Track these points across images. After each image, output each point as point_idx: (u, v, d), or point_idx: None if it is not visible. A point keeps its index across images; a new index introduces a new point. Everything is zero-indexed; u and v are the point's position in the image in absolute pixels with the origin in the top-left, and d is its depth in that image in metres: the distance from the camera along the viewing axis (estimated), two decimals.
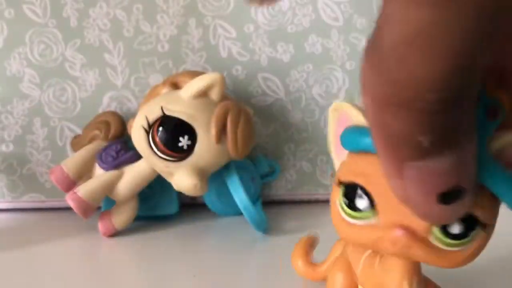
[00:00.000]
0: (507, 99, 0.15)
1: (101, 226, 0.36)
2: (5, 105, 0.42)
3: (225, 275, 0.30)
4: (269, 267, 0.31)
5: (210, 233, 0.38)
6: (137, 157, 0.36)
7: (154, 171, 0.36)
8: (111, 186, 0.36)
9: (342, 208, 0.18)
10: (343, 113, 0.19)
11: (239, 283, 0.29)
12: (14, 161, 0.42)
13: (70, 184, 0.36)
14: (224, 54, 0.42)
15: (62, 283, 0.30)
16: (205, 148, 0.34)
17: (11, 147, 0.42)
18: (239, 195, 0.36)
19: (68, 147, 0.42)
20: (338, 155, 0.20)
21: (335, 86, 0.42)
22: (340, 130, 0.19)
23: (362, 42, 0.43)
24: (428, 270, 0.21)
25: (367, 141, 0.17)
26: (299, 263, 0.28)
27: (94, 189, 0.35)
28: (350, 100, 0.19)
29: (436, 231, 0.16)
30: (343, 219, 0.18)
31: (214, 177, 0.37)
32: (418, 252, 0.17)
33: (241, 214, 0.41)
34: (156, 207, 0.37)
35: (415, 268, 0.20)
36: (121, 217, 0.36)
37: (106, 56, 0.41)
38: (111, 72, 0.42)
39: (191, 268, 0.32)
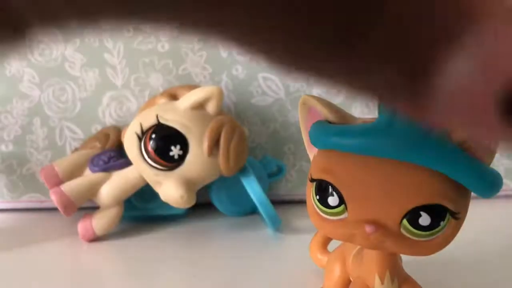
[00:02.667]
0: None
1: (80, 228, 0.36)
2: (5, 105, 0.42)
3: (235, 274, 0.30)
4: (280, 266, 0.31)
5: (218, 233, 0.38)
6: (128, 165, 0.36)
7: (142, 179, 0.36)
8: (96, 187, 0.36)
9: (316, 205, 0.18)
10: (312, 107, 0.19)
11: (250, 282, 0.29)
12: (14, 161, 0.42)
13: (58, 182, 0.36)
14: (224, 54, 0.42)
15: (62, 283, 0.30)
16: (196, 160, 0.34)
17: (11, 147, 0.42)
18: (256, 192, 0.36)
19: (68, 147, 0.42)
20: (311, 149, 0.20)
21: None
22: (311, 121, 0.19)
23: None
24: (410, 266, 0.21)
25: (334, 139, 0.17)
26: (317, 255, 0.28)
27: (78, 186, 0.35)
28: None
29: (406, 223, 0.16)
30: (319, 215, 0.18)
31: (225, 178, 0.37)
32: (390, 245, 0.17)
33: (248, 214, 0.41)
34: (164, 206, 0.37)
35: (389, 261, 0.20)
36: (102, 221, 0.36)
37: (106, 56, 0.41)
38: (111, 72, 0.42)
39: (199, 268, 0.32)
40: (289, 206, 0.42)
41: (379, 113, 0.16)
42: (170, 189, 0.34)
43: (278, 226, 0.37)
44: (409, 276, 0.21)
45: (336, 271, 0.23)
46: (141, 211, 0.40)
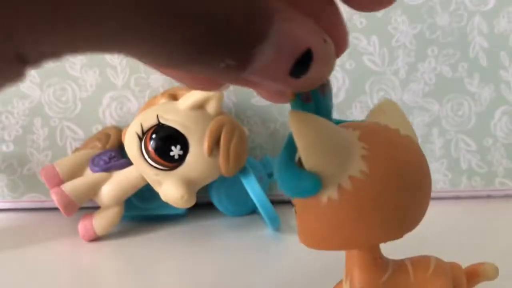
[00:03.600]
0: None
1: (81, 228, 0.36)
2: (6, 105, 0.42)
3: (235, 274, 0.30)
4: (280, 266, 0.31)
5: (218, 233, 0.38)
6: (128, 165, 0.36)
7: (143, 179, 0.36)
8: (96, 187, 0.36)
9: None
10: None
11: (250, 282, 0.29)
12: (15, 161, 0.42)
13: (58, 182, 0.36)
14: None
15: (62, 282, 0.30)
16: (196, 160, 0.34)
17: (12, 147, 0.42)
18: (256, 192, 0.36)
19: (68, 147, 0.42)
20: None
21: (335, 86, 0.43)
22: None
23: (362, 42, 0.43)
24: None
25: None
26: None
27: (79, 186, 0.35)
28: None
29: None
30: None
31: (225, 177, 0.37)
32: None
33: (248, 214, 0.41)
34: (165, 206, 0.37)
35: (349, 261, 0.20)
36: (102, 221, 0.36)
37: (106, 56, 0.41)
38: (111, 72, 0.42)
39: (199, 267, 0.32)
40: (289, 206, 0.42)
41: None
42: (170, 189, 0.34)
43: (278, 226, 0.37)
44: (366, 277, 0.21)
45: None
46: (141, 211, 0.40)
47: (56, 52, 0.11)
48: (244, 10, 0.12)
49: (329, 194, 0.16)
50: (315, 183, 0.16)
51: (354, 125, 0.18)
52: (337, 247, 0.18)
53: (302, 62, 0.13)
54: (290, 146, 0.16)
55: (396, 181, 0.17)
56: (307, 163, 0.16)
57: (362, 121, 0.19)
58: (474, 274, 0.23)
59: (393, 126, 0.18)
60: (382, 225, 0.17)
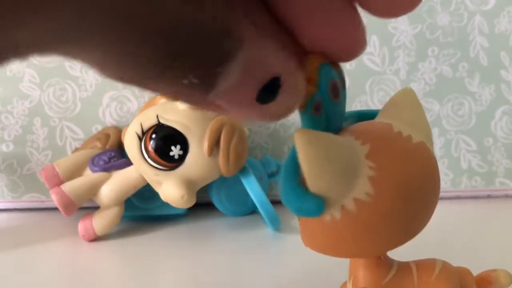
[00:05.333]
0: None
1: (80, 228, 0.36)
2: (5, 105, 0.42)
3: (235, 274, 0.30)
4: (280, 266, 0.31)
5: (218, 233, 0.38)
6: (128, 165, 0.36)
7: (143, 179, 0.36)
8: (96, 187, 0.36)
9: None
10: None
11: (250, 282, 0.29)
12: (14, 161, 0.42)
13: (58, 182, 0.36)
14: None
15: (62, 282, 0.30)
16: (196, 160, 0.34)
17: (11, 147, 0.42)
18: (256, 192, 0.36)
19: (68, 147, 0.42)
20: None
21: None
22: None
23: None
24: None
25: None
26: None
27: (79, 186, 0.35)
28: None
29: None
30: None
31: (225, 177, 0.37)
32: None
33: (248, 214, 0.41)
34: (165, 206, 0.37)
35: (353, 265, 0.20)
36: (102, 221, 0.36)
37: None
38: None
39: (199, 267, 0.32)
40: None
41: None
42: (170, 189, 0.34)
43: (278, 226, 0.37)
44: (370, 279, 0.21)
45: None
46: (141, 211, 0.40)
47: (21, 48, 0.10)
48: (215, 25, 0.12)
49: (332, 214, 0.16)
50: (318, 205, 0.16)
51: (365, 132, 0.17)
52: (341, 256, 0.18)
53: (269, 89, 0.13)
54: (294, 162, 0.16)
55: (404, 199, 0.16)
56: (312, 187, 0.16)
57: (377, 113, 0.18)
58: (486, 281, 0.22)
59: (406, 126, 0.17)
60: (388, 238, 0.17)
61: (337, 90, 0.16)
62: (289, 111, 0.15)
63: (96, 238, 0.36)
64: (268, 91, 0.13)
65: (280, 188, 0.16)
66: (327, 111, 0.16)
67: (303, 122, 0.16)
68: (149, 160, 0.34)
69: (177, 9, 0.11)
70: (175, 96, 0.13)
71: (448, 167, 0.44)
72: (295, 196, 0.16)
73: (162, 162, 0.34)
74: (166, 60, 0.11)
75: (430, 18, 0.43)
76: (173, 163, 0.34)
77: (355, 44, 0.15)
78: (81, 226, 0.36)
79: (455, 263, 0.30)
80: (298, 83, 0.14)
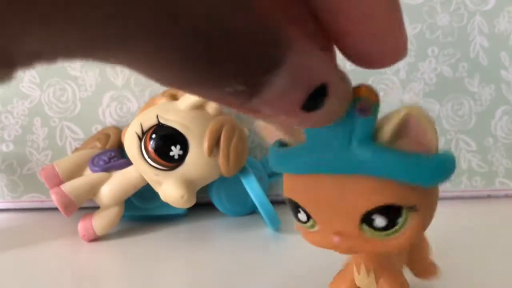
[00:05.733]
0: (374, 95, 0.16)
1: (80, 228, 0.36)
2: (5, 105, 0.42)
3: (235, 274, 0.30)
4: (280, 266, 0.31)
5: (218, 233, 0.38)
6: (128, 165, 0.36)
7: (143, 179, 0.36)
8: (96, 187, 0.36)
9: (296, 220, 0.19)
10: (269, 129, 0.19)
11: (250, 282, 0.29)
12: (15, 161, 0.42)
13: (58, 182, 0.36)
14: None
15: (62, 282, 0.30)
16: (196, 160, 0.34)
17: (11, 147, 0.42)
18: (256, 192, 0.36)
19: (68, 147, 0.42)
20: None
21: None
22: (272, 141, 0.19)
23: None
24: None
25: (281, 166, 0.17)
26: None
27: (79, 186, 0.35)
28: None
29: (366, 227, 0.17)
30: (303, 228, 0.19)
31: (225, 177, 0.37)
32: (361, 248, 0.17)
33: (248, 214, 0.41)
34: (165, 206, 0.37)
35: (368, 255, 0.20)
36: (102, 221, 0.36)
37: None
38: (111, 72, 0.42)
39: (199, 267, 0.32)
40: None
41: (305, 132, 0.16)
42: (170, 189, 0.34)
43: (278, 226, 0.37)
44: (393, 270, 0.21)
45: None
46: (141, 211, 0.40)
47: (45, 54, 0.10)
48: (262, 33, 0.11)
49: None
50: (453, 157, 0.17)
51: None
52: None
53: (316, 97, 0.13)
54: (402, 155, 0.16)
55: None
56: (436, 150, 0.16)
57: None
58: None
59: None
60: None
61: (366, 106, 0.16)
62: (333, 118, 0.14)
63: (96, 238, 0.36)
64: (315, 99, 0.13)
65: (417, 169, 0.16)
66: (348, 124, 0.16)
67: None
68: (149, 160, 0.34)
69: (226, 14, 0.11)
70: (217, 101, 0.13)
71: None
72: (440, 161, 0.16)
73: (162, 162, 0.34)
74: (212, 66, 0.11)
75: (430, 18, 0.43)
76: (173, 163, 0.34)
77: (398, 47, 0.15)
78: (81, 226, 0.36)
79: (455, 263, 0.30)
80: (345, 90, 0.14)
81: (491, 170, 0.44)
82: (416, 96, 0.43)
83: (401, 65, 0.43)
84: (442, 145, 0.44)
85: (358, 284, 0.21)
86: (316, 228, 0.18)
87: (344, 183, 0.16)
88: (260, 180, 0.39)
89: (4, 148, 0.42)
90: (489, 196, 0.45)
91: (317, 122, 0.14)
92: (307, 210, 0.18)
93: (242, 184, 0.37)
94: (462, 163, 0.44)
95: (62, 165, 0.37)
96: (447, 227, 0.36)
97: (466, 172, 0.44)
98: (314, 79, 0.13)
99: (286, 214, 0.38)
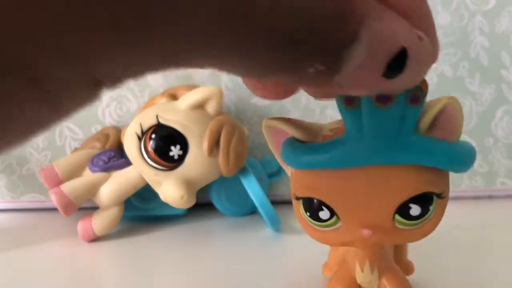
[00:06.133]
0: (426, 85, 0.16)
1: (80, 228, 0.36)
2: None
3: (235, 274, 0.30)
4: (280, 266, 0.31)
5: (218, 233, 0.38)
6: (128, 165, 0.36)
7: (142, 179, 0.36)
8: (96, 187, 0.36)
9: (309, 220, 0.18)
10: (276, 129, 0.19)
11: (250, 282, 0.29)
12: (14, 161, 0.42)
13: (58, 182, 0.36)
14: None
15: (62, 283, 0.30)
16: (196, 160, 0.34)
17: None
18: (256, 192, 0.36)
19: (68, 147, 0.42)
20: (286, 167, 0.20)
21: None
22: (279, 141, 0.19)
23: None
24: None
25: (307, 159, 0.17)
26: None
27: (78, 186, 0.35)
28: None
29: (399, 218, 0.17)
30: (314, 228, 0.19)
31: (225, 177, 0.37)
32: (388, 241, 0.18)
33: (248, 214, 0.41)
34: (164, 206, 0.37)
35: (371, 252, 0.20)
36: (102, 222, 0.36)
37: None
38: None
39: (199, 267, 0.31)
40: (289, 206, 0.42)
41: (345, 123, 0.16)
42: (170, 189, 0.34)
43: (278, 226, 0.37)
44: (394, 267, 0.21)
45: (340, 249, 0.23)
46: (141, 211, 0.40)
47: (134, 72, 0.11)
48: (334, 10, 0.12)
49: None
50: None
51: None
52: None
53: (397, 62, 0.13)
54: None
55: None
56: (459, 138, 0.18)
57: None
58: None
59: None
60: None
61: (385, 96, 0.16)
62: (417, 81, 0.14)
63: (95, 238, 0.36)
64: (396, 65, 0.13)
65: (453, 153, 0.17)
66: (363, 110, 0.16)
67: (339, 109, 0.16)
68: (148, 160, 0.34)
69: (303, 7, 0.11)
70: (300, 82, 0.13)
71: None
72: (470, 148, 0.17)
73: (162, 162, 0.34)
74: (294, 53, 0.11)
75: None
76: (172, 163, 0.34)
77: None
78: (81, 226, 0.36)
79: (455, 263, 0.30)
80: (426, 50, 0.14)
81: (492, 170, 0.44)
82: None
83: None
84: None
85: (360, 281, 0.21)
86: (338, 225, 0.18)
87: (380, 173, 0.17)
88: (260, 180, 0.39)
89: None
90: (490, 197, 0.44)
91: (400, 87, 0.14)
92: (333, 206, 0.17)
93: (242, 184, 0.37)
94: None
95: (61, 165, 0.37)
96: (448, 227, 0.36)
97: (467, 172, 0.44)
98: (393, 45, 0.13)
99: (286, 214, 0.38)
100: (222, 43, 0.11)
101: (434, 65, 0.44)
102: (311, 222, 0.18)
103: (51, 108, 0.10)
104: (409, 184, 0.17)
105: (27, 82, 0.09)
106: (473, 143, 0.44)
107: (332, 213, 0.18)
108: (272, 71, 0.12)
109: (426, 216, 0.17)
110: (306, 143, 0.18)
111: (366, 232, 0.17)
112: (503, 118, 0.44)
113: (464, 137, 0.44)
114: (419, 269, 0.27)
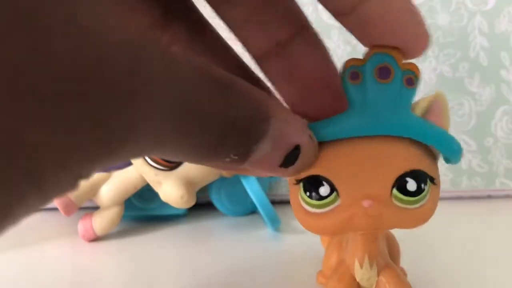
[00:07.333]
0: (419, 71, 0.18)
1: (80, 228, 0.36)
2: None
3: (235, 274, 0.30)
4: (280, 266, 0.31)
5: (218, 233, 0.38)
6: (128, 165, 0.36)
7: (143, 179, 0.36)
8: (96, 187, 0.36)
9: (307, 202, 0.19)
10: None
11: (250, 282, 0.29)
12: None
13: None
14: None
15: (62, 283, 0.30)
16: None
17: None
18: (256, 192, 0.36)
19: None
20: None
21: None
22: None
23: None
24: None
25: (337, 129, 0.18)
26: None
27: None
28: None
29: (397, 192, 0.18)
30: (311, 214, 0.19)
31: (225, 177, 0.37)
32: (387, 217, 0.18)
33: (248, 214, 0.41)
34: (165, 206, 0.37)
35: (370, 246, 0.21)
36: (102, 222, 0.36)
37: None
38: None
39: (199, 267, 0.32)
40: (289, 206, 0.42)
41: (349, 97, 0.18)
42: (170, 189, 0.34)
43: (278, 226, 0.37)
44: (392, 265, 0.21)
45: (333, 258, 0.23)
46: (141, 211, 0.40)
47: (106, 165, 0.13)
48: (251, 116, 0.14)
49: None
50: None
51: None
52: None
53: (291, 156, 0.16)
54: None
55: None
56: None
57: None
58: None
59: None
60: None
61: (386, 72, 0.17)
62: (304, 171, 0.18)
63: (96, 238, 0.36)
64: (290, 158, 0.16)
65: (442, 139, 0.19)
66: (366, 84, 0.18)
67: (343, 84, 0.18)
68: (149, 160, 0.34)
69: (221, 109, 0.14)
70: (216, 167, 0.17)
71: (448, 167, 0.44)
72: (453, 138, 0.19)
73: (162, 162, 0.34)
74: (216, 146, 0.14)
75: (430, 18, 0.43)
76: (173, 163, 0.34)
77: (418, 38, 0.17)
78: (81, 226, 0.36)
79: (455, 263, 0.30)
80: (313, 147, 0.17)
81: (491, 170, 0.44)
82: (416, 96, 0.43)
83: None
84: None
85: (358, 279, 0.21)
86: (336, 203, 0.18)
87: (381, 145, 0.18)
88: (260, 180, 0.39)
89: None
90: (489, 197, 0.44)
91: (291, 174, 0.17)
92: (333, 180, 0.18)
93: (242, 184, 0.37)
94: (462, 163, 0.44)
95: None
96: (447, 227, 0.36)
97: (466, 172, 0.44)
98: (290, 142, 0.16)
99: (286, 214, 0.38)
100: (172, 141, 0.13)
101: (434, 65, 0.44)
102: (309, 204, 0.18)
103: (42, 201, 0.12)
104: (407, 158, 0.18)
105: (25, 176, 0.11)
106: (473, 143, 0.44)
107: (332, 189, 0.18)
108: (197, 160, 0.15)
109: (422, 195, 0.18)
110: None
111: (366, 202, 0.18)
112: (503, 118, 0.44)
113: (463, 137, 0.44)
114: (418, 268, 0.27)
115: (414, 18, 0.17)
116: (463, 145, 0.44)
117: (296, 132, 0.16)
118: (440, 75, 0.43)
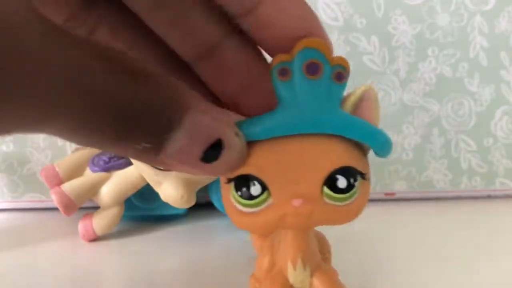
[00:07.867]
0: (348, 65, 0.18)
1: (80, 228, 0.36)
2: None
3: (235, 274, 0.30)
4: None
5: (218, 233, 0.38)
6: (128, 165, 0.36)
7: (143, 179, 0.36)
8: (96, 186, 0.36)
9: (239, 202, 0.18)
10: None
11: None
12: (15, 161, 0.42)
13: (58, 182, 0.36)
14: None
15: (62, 283, 0.30)
16: None
17: (11, 147, 0.42)
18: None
19: (68, 147, 0.42)
20: None
21: None
22: None
23: (362, 42, 0.43)
24: None
25: (264, 127, 0.18)
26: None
27: (79, 186, 0.35)
28: None
29: (327, 190, 0.18)
30: (243, 213, 0.19)
31: None
32: (318, 215, 0.18)
33: None
34: (165, 206, 0.37)
35: (303, 248, 0.21)
36: (102, 221, 0.36)
37: None
38: None
39: (200, 267, 0.32)
40: None
41: (278, 94, 0.18)
42: (170, 189, 0.34)
43: None
44: (324, 266, 0.21)
45: (265, 261, 0.23)
46: (141, 211, 0.40)
47: None
48: (161, 104, 0.14)
49: None
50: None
51: None
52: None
53: (213, 150, 0.15)
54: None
55: None
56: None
57: None
58: None
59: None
60: None
61: (315, 68, 0.17)
62: (231, 168, 0.17)
63: (96, 238, 0.36)
64: (212, 153, 0.16)
65: (367, 130, 0.18)
66: (295, 81, 0.17)
67: (272, 81, 0.17)
68: None
69: (118, 88, 0.13)
70: (131, 156, 0.16)
71: (448, 167, 0.44)
72: (380, 131, 0.18)
73: None
74: (121, 131, 0.14)
75: (430, 18, 0.43)
76: None
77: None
78: (81, 226, 0.36)
79: (455, 263, 0.30)
80: (239, 143, 0.17)
81: (491, 170, 0.44)
82: (416, 96, 0.43)
83: (401, 65, 0.43)
84: (442, 145, 0.44)
85: (292, 281, 0.21)
86: (268, 202, 0.18)
87: (310, 143, 0.18)
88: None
89: (4, 148, 0.42)
90: (489, 196, 0.45)
91: (216, 172, 0.17)
92: (264, 179, 0.18)
93: None
94: (462, 163, 0.44)
95: (62, 165, 0.37)
96: (447, 227, 0.36)
97: (466, 172, 0.44)
98: (211, 135, 0.15)
99: None
100: (63, 114, 0.13)
101: (433, 65, 0.44)
102: (241, 203, 0.18)
103: None
104: (336, 155, 0.18)
105: None
106: (473, 143, 0.44)
107: (264, 188, 0.18)
108: (106, 147, 0.15)
109: (352, 191, 0.18)
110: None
111: (296, 201, 0.17)
112: (503, 118, 0.44)
113: (463, 137, 0.44)
114: (417, 268, 0.27)
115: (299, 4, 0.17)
116: (463, 145, 0.44)
117: (218, 125, 0.16)
118: (440, 75, 0.43)
